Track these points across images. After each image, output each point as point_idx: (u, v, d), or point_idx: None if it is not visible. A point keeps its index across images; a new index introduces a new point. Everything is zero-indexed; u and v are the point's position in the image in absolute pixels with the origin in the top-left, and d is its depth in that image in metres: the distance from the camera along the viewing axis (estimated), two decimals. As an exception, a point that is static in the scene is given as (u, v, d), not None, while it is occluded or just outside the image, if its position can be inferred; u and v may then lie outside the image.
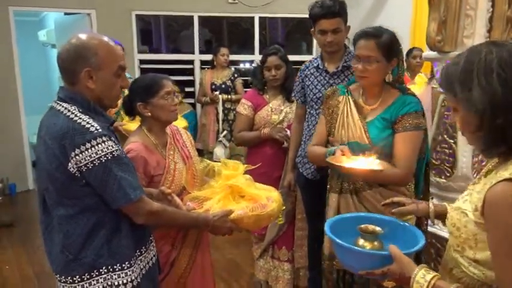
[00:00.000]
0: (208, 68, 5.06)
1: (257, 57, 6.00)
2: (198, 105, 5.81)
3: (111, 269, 1.46)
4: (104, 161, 1.37)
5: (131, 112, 1.98)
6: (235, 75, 4.85)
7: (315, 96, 2.41)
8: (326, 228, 1.45)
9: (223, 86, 4.77)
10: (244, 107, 2.86)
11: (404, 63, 1.94)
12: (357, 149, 1.83)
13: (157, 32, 7.16)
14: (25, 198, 5.28)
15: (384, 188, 1.86)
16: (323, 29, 2.28)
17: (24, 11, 5.50)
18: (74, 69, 1.42)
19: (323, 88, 2.36)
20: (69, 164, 1.36)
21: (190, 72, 6.01)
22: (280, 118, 2.79)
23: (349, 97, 1.94)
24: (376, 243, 1.38)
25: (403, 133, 1.80)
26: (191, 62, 6.02)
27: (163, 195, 1.71)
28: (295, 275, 2.93)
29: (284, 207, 1.97)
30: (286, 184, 2.67)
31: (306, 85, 2.48)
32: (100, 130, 1.38)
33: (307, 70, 2.50)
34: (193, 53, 6.03)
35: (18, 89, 5.23)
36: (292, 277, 2.91)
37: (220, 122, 4.67)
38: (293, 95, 2.63)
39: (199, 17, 5.89)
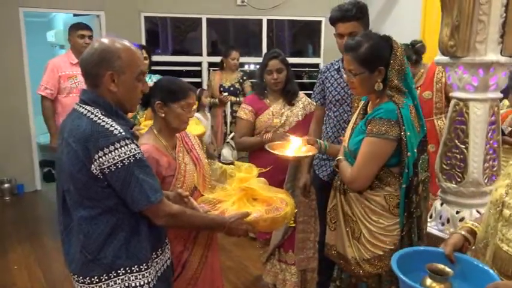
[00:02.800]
0: (217, 70, 5.07)
1: (264, 59, 6.02)
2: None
3: (128, 270, 1.48)
4: (126, 163, 1.39)
5: (147, 104, 1.98)
6: (244, 78, 4.87)
7: (334, 98, 2.43)
8: (393, 264, 1.35)
9: (231, 88, 4.78)
10: (245, 112, 2.85)
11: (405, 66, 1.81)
12: (345, 153, 1.90)
13: (164, 34, 7.20)
14: (33, 198, 5.31)
15: (360, 195, 1.84)
16: (340, 33, 2.31)
17: (33, 12, 5.52)
18: (97, 72, 1.44)
19: (342, 90, 2.39)
20: (93, 165, 1.38)
21: (198, 74, 6.03)
22: (282, 121, 2.79)
23: (364, 102, 1.96)
24: (445, 285, 1.30)
25: (365, 138, 1.78)
26: (198, 63, 6.05)
27: (180, 197, 1.72)
28: (302, 278, 2.93)
29: (296, 210, 1.98)
30: (302, 185, 2.67)
31: (326, 87, 2.50)
32: (123, 133, 1.41)
33: (327, 72, 2.52)
34: (201, 54, 6.06)
35: (28, 90, 5.25)
36: (300, 280, 2.92)
37: (228, 124, 4.68)
38: (312, 96, 2.64)
39: (207, 19, 5.92)
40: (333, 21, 2.33)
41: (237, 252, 3.64)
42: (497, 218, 1.37)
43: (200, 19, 5.89)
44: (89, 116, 1.42)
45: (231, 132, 4.56)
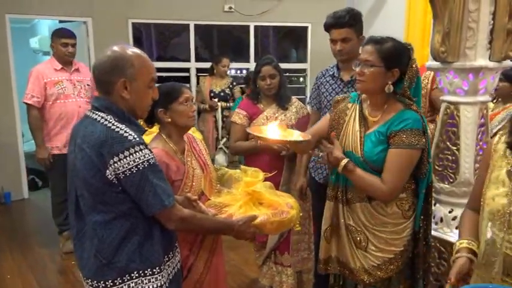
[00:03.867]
0: (206, 76, 5.11)
1: (252, 65, 6.09)
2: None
3: (142, 274, 1.50)
4: (141, 168, 1.42)
5: (150, 120, 2.01)
6: (234, 84, 4.92)
7: (329, 104, 2.49)
8: None
9: (222, 94, 4.84)
10: (239, 117, 2.89)
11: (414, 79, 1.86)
12: (351, 159, 1.85)
13: (148, 40, 7.19)
14: (20, 206, 5.24)
15: (371, 204, 1.85)
16: (333, 38, 2.40)
17: (18, 18, 5.46)
18: (110, 79, 1.46)
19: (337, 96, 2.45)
20: (107, 171, 1.40)
21: (185, 80, 6.05)
22: None
23: (357, 106, 1.94)
24: None
25: (394, 149, 1.77)
26: (184, 69, 6.07)
27: (188, 202, 1.75)
28: (298, 280, 2.98)
29: (301, 213, 2.03)
30: (298, 188, 2.72)
31: (321, 92, 2.57)
32: (137, 139, 1.44)
33: (323, 78, 2.59)
34: (186, 60, 6.09)
35: (14, 97, 5.18)
36: (296, 281, 2.97)
37: (220, 129, 4.72)
38: (308, 101, 2.71)
39: (195, 25, 5.96)
40: (327, 27, 2.42)
41: (232, 256, 3.66)
42: (505, 230, 1.35)
43: (188, 25, 5.93)
44: (102, 122, 1.44)
45: (222, 137, 4.60)
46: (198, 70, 5.94)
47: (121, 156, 1.39)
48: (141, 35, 7.02)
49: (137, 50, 1.52)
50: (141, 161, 1.42)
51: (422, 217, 1.89)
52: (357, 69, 1.83)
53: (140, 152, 1.42)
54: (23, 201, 5.38)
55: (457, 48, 2.22)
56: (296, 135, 1.91)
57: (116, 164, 1.40)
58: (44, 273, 3.53)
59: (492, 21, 2.20)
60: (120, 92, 1.47)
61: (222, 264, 2.15)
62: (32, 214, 5.07)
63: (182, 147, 2.01)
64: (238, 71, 6.22)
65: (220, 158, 4.29)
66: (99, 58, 1.50)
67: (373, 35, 1.87)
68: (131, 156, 1.40)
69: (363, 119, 1.91)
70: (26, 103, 3.71)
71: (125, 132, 1.42)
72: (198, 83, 5.43)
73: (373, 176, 1.81)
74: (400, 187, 1.82)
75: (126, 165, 1.40)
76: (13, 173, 5.31)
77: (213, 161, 4.40)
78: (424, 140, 1.79)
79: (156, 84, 2.02)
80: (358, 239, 1.88)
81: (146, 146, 1.47)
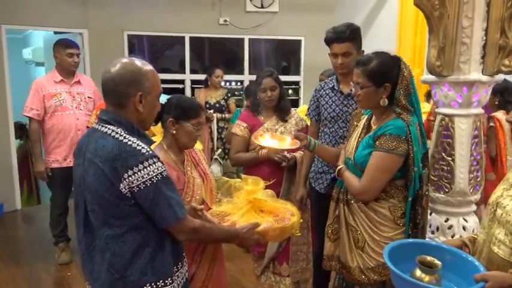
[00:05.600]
0: (201, 88, 5.16)
1: (246, 77, 6.17)
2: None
3: (154, 286, 1.50)
4: (155, 181, 1.42)
5: (157, 120, 1.98)
6: (229, 95, 4.98)
7: (329, 115, 2.55)
8: (385, 255, 1.47)
9: (217, 105, 4.89)
10: (240, 128, 2.92)
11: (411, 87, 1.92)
12: (348, 163, 2.00)
13: (141, 52, 7.21)
14: (13, 218, 5.18)
15: (366, 206, 1.93)
16: (334, 53, 2.45)
17: (14, 29, 5.45)
18: (128, 92, 1.47)
19: (337, 108, 2.52)
20: (121, 184, 1.40)
21: (180, 92, 6.09)
22: None
23: (367, 116, 2.07)
24: (434, 276, 1.40)
25: (374, 152, 1.88)
26: (177, 81, 6.10)
27: (194, 212, 1.77)
28: (296, 290, 3.01)
29: (302, 220, 2.07)
30: (299, 199, 2.76)
31: (321, 104, 2.62)
32: (150, 151, 1.44)
33: (322, 90, 2.64)
34: (180, 72, 6.13)
35: (9, 109, 5.15)
36: (294, 291, 2.99)
37: (215, 140, 4.76)
38: (307, 113, 2.75)
39: (187, 37, 6.02)
40: (328, 42, 2.47)
41: (228, 266, 3.62)
42: (491, 218, 1.47)
43: (183, 38, 5.99)
44: (114, 136, 1.44)
45: (218, 148, 4.64)
46: (192, 82, 6.00)
47: (135, 169, 1.39)
48: (134, 46, 7.05)
49: (149, 65, 1.54)
50: (154, 174, 1.42)
51: (410, 225, 1.93)
52: (354, 91, 1.96)
53: (154, 165, 1.43)
54: (16, 212, 5.32)
55: (452, 62, 2.30)
56: (289, 143, 2.31)
57: (130, 178, 1.39)
58: (40, 285, 3.50)
59: (485, 37, 2.28)
60: (136, 105, 1.48)
61: (224, 274, 2.17)
62: (25, 225, 5.03)
63: (182, 158, 2.04)
64: (228, 83, 6.26)
65: (215, 168, 4.32)
66: (114, 70, 1.48)
67: (360, 57, 1.98)
68: (145, 170, 1.40)
69: (367, 127, 2.03)
70: (26, 116, 3.69)
71: (138, 145, 1.43)
72: (193, 94, 5.47)
73: (354, 176, 1.96)
74: (373, 189, 1.89)
75: (141, 178, 1.40)
76: (5, 184, 5.26)
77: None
78: (404, 146, 1.85)
79: (177, 95, 2.08)
80: (357, 238, 1.96)
81: (159, 158, 1.47)
